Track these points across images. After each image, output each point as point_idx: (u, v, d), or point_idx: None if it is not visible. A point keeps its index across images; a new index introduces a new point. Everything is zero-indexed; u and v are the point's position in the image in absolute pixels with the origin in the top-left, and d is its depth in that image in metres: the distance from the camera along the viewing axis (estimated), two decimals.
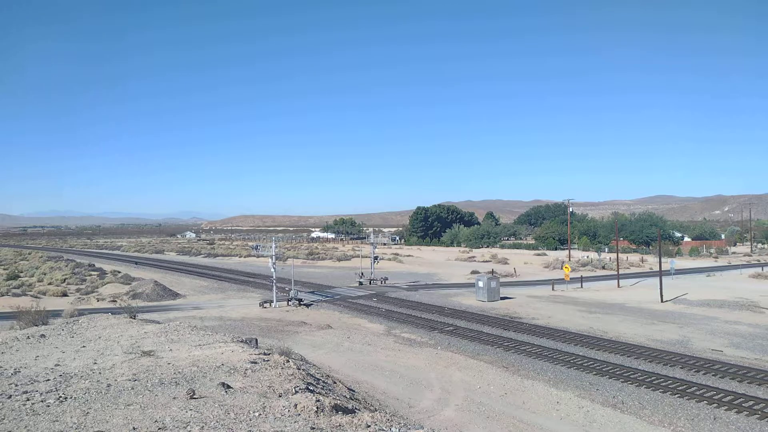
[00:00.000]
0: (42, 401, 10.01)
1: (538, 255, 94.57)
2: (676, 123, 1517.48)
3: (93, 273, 66.92)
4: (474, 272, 64.63)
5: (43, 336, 18.23)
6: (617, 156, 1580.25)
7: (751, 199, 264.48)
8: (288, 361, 14.35)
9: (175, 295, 48.99)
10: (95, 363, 13.77)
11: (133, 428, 8.42)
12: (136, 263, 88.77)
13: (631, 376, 21.95)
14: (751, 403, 18.54)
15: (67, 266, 72.60)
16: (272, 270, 43.66)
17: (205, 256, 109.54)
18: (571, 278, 53.17)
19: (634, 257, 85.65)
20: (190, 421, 8.66)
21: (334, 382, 16.68)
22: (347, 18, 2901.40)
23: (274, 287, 43.41)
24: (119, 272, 66.67)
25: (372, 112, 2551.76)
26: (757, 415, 17.48)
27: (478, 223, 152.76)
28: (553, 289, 50.74)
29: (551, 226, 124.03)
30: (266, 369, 13.04)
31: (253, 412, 9.19)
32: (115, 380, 11.69)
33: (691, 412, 18.11)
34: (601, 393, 20.30)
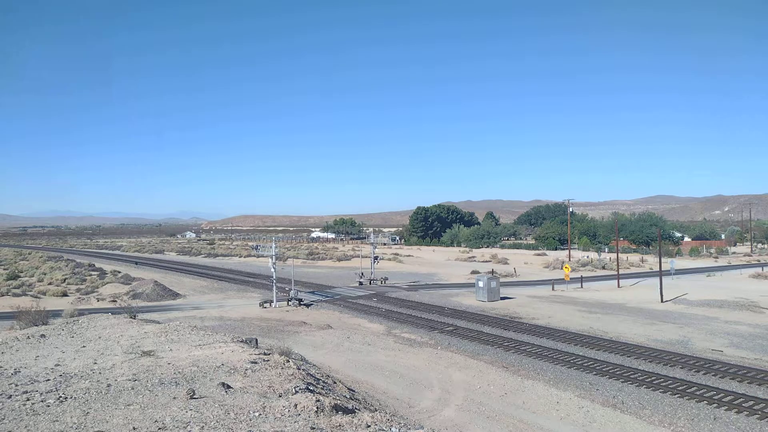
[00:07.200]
0: (42, 401, 10.02)
1: (538, 255, 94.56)
2: (676, 123, 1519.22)
3: (93, 273, 66.88)
4: (474, 272, 64.61)
5: (43, 336, 18.23)
6: (617, 156, 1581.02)
7: (751, 199, 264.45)
8: (288, 361, 14.35)
9: (175, 295, 48.98)
10: (95, 363, 13.77)
11: (133, 428, 8.42)
12: (136, 263, 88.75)
13: (631, 376, 21.94)
14: (751, 403, 18.53)
15: (67, 266, 72.58)
16: (272, 270, 43.67)
17: (205, 256, 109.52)
18: (571, 278, 53.17)
19: (634, 257, 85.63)
20: (190, 421, 8.67)
21: (334, 382, 16.68)
22: (347, 18, 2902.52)
23: (274, 287, 43.41)
24: (119, 272, 66.66)
25: (372, 112, 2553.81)
26: (757, 415, 17.47)
27: (478, 223, 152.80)
28: (553, 289, 50.73)
29: (551, 226, 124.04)
30: (266, 369, 13.04)
31: (253, 412, 9.19)
32: (115, 380, 11.70)
33: (691, 412, 18.11)
34: (601, 393, 20.29)
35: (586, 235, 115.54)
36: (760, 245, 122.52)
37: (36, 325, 21.88)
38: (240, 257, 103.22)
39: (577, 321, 34.73)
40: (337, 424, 8.61)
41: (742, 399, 18.94)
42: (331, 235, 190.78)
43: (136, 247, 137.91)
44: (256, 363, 13.55)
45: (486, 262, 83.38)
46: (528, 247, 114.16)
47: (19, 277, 60.62)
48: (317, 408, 9.37)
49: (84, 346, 16.34)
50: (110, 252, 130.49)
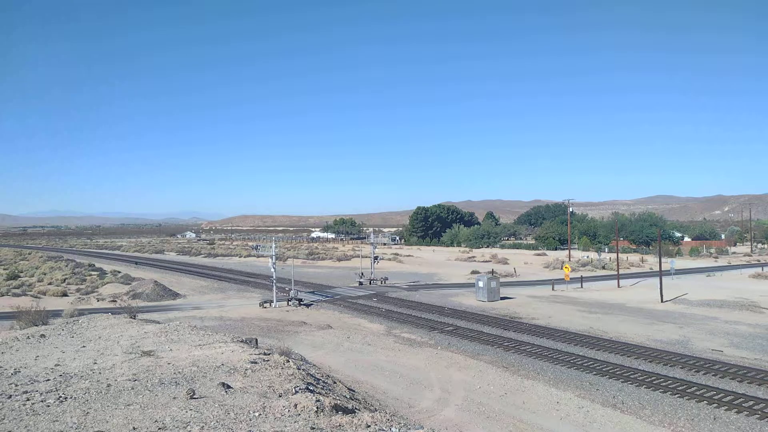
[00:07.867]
0: (42, 401, 10.01)
1: (538, 255, 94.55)
2: (676, 123, 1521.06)
3: (93, 273, 66.90)
4: (474, 272, 64.61)
5: (43, 336, 18.23)
6: (617, 156, 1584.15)
7: (751, 199, 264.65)
8: (288, 361, 14.35)
9: (175, 295, 48.97)
10: (95, 363, 13.77)
11: (133, 428, 8.42)
12: (136, 263, 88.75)
13: (631, 376, 21.94)
14: (751, 403, 18.53)
15: (67, 266, 72.57)
16: (272, 270, 43.67)
17: (205, 256, 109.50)
18: (571, 278, 53.15)
19: (634, 257, 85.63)
20: (190, 421, 8.67)
21: (334, 382, 16.69)
22: (347, 17, 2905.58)
23: (274, 287, 43.40)
24: (119, 272, 66.66)
25: (372, 112, 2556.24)
26: (757, 415, 17.47)
27: (478, 223, 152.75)
28: (553, 289, 50.72)
29: (551, 226, 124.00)
30: (266, 369, 13.04)
31: (253, 412, 9.19)
32: (115, 380, 11.69)
33: (691, 412, 18.10)
34: (601, 393, 20.29)
35: (586, 235, 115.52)
36: (760, 245, 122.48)
37: (36, 325, 21.88)
38: (240, 257, 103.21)
39: (577, 321, 34.73)
40: (337, 424, 8.61)
41: (742, 399, 18.94)
42: (331, 235, 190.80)
43: (136, 247, 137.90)
44: (256, 363, 13.55)
45: (486, 262, 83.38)
46: (528, 247, 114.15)
47: (19, 277, 60.64)
48: (317, 408, 9.37)
49: (84, 346, 16.33)
50: (110, 252, 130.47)
